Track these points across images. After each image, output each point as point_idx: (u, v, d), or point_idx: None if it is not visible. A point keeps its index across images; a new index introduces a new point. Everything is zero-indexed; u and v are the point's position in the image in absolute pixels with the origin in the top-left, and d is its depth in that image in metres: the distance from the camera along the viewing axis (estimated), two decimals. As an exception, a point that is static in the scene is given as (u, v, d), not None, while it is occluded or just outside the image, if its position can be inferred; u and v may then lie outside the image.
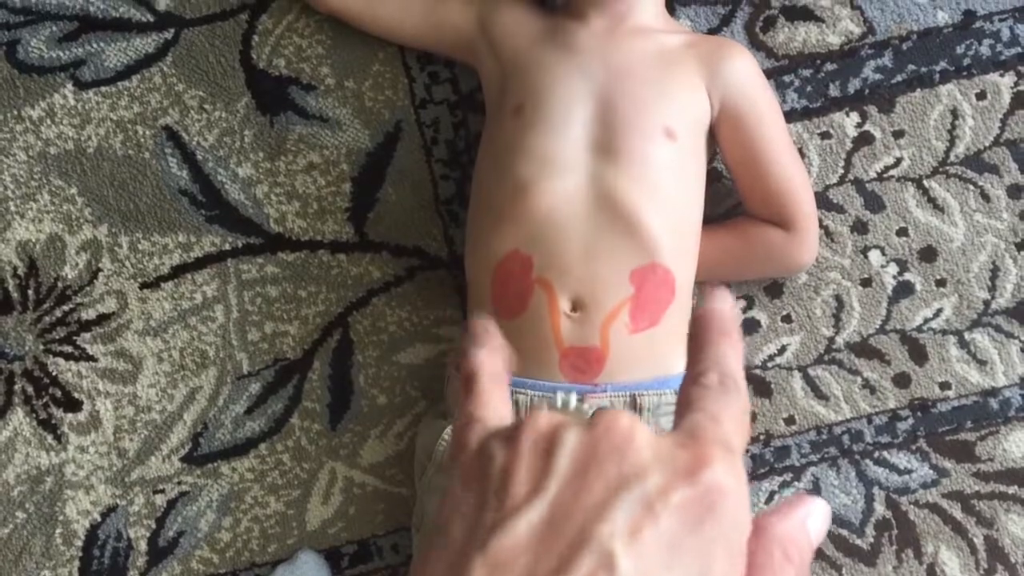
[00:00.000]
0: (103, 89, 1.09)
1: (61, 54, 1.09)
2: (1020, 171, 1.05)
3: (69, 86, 1.09)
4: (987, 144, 1.05)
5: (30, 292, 1.09)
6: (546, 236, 0.93)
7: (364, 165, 1.08)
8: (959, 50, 1.05)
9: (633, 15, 0.98)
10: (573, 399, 0.92)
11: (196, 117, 1.09)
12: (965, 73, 1.05)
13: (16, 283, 1.09)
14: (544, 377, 0.93)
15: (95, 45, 1.09)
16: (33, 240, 1.09)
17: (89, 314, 1.09)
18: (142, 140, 1.09)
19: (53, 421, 1.09)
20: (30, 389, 1.09)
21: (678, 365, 0.95)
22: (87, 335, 1.09)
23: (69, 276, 1.09)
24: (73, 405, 1.09)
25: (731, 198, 1.05)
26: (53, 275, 1.09)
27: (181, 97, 1.09)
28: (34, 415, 1.09)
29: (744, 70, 0.99)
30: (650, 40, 0.98)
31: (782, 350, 1.06)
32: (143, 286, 1.09)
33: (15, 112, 1.09)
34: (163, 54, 1.09)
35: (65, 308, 1.09)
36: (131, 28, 1.09)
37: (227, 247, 1.09)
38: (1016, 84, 1.05)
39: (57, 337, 1.09)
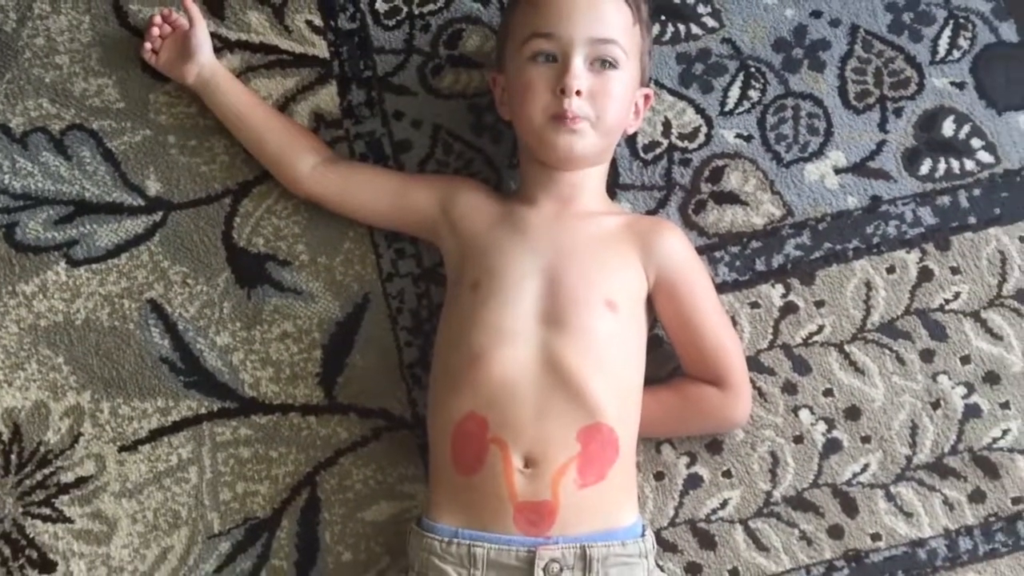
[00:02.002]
0: (94, 266, 1.16)
1: (56, 235, 1.17)
2: (930, 337, 1.14)
3: (62, 264, 1.16)
4: (899, 313, 1.15)
5: (12, 457, 1.13)
6: (500, 399, 0.99)
7: (334, 333, 1.15)
8: (869, 230, 1.17)
9: (577, 199, 1.09)
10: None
11: (179, 291, 1.16)
12: (875, 250, 1.16)
13: (0, 448, 1.13)
14: (499, 530, 0.97)
15: (88, 227, 1.17)
16: (19, 407, 1.14)
17: (68, 477, 1.12)
18: (127, 312, 1.15)
19: (27, 582, 1.11)
20: (7, 551, 1.11)
21: (626, 518, 1.00)
22: (65, 497, 1.12)
23: (51, 441, 1.13)
24: (48, 566, 1.11)
25: (672, 362, 1.12)
26: (36, 440, 1.13)
27: (166, 273, 1.16)
28: (9, 577, 1.11)
29: (674, 245, 1.08)
30: (592, 222, 1.08)
31: (724, 504, 1.12)
32: (121, 449, 1.13)
33: (10, 288, 1.16)
34: (151, 234, 1.17)
35: (46, 472, 1.13)
36: (123, 211, 1.17)
37: (203, 411, 1.14)
38: (921, 260, 1.16)
39: (36, 500, 1.12)
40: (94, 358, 1.14)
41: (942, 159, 1.18)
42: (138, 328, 1.15)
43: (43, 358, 1.14)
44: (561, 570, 0.96)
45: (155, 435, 1.13)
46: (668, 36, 1.20)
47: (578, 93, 1.02)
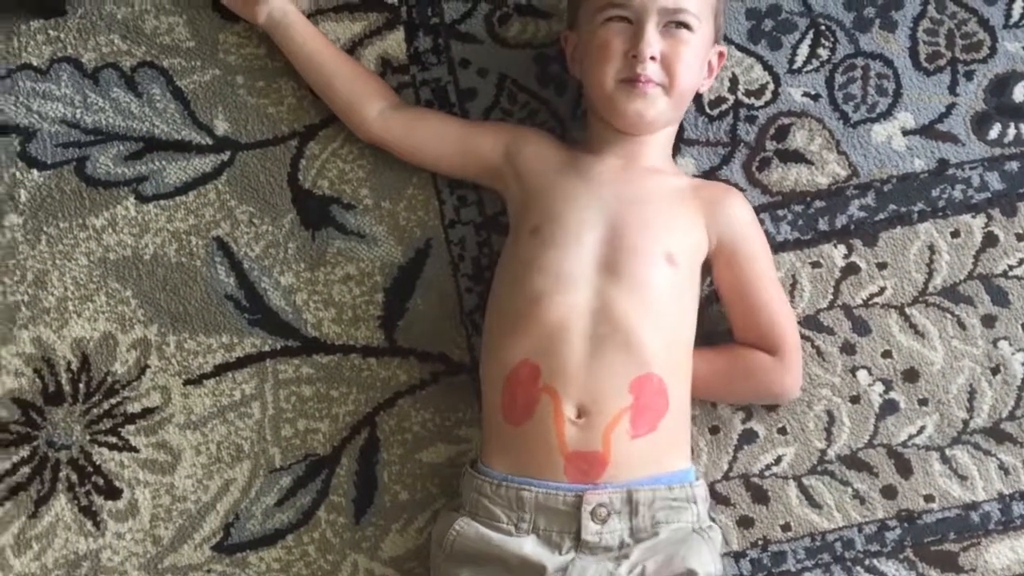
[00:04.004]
0: (162, 203, 1.16)
1: (126, 170, 1.17)
2: (992, 303, 1.12)
3: (131, 199, 1.16)
4: (962, 278, 1.13)
5: (81, 386, 1.14)
6: (554, 346, 0.99)
7: (396, 277, 1.15)
8: (935, 193, 1.14)
9: (644, 156, 1.07)
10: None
11: (245, 230, 1.16)
12: (940, 214, 1.14)
13: (69, 377, 1.14)
14: (549, 478, 0.97)
15: (157, 163, 1.17)
16: (88, 337, 1.14)
17: (135, 407, 1.13)
18: (194, 249, 1.16)
19: (94, 508, 1.12)
20: (74, 477, 1.13)
21: (674, 464, 1.00)
22: (131, 427, 1.13)
23: (119, 372, 1.14)
24: (114, 493, 1.12)
25: (726, 321, 1.11)
26: (104, 370, 1.14)
27: (233, 212, 1.16)
28: (76, 502, 1.12)
29: (741, 213, 1.07)
30: (659, 179, 1.07)
31: (778, 460, 1.11)
32: (187, 382, 1.14)
33: (80, 221, 1.16)
34: (219, 173, 1.17)
35: (113, 401, 1.14)
36: (191, 149, 1.17)
37: (267, 349, 1.14)
38: (987, 225, 1.13)
39: (103, 428, 1.13)
40: (161, 293, 1.15)
41: (1012, 124, 1.15)
42: (204, 265, 1.15)
43: (112, 291, 1.15)
44: (608, 514, 0.96)
45: (220, 370, 1.14)
46: (738, -9, 1.17)
47: (652, 59, 1.01)
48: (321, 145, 1.17)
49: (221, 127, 1.17)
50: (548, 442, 0.97)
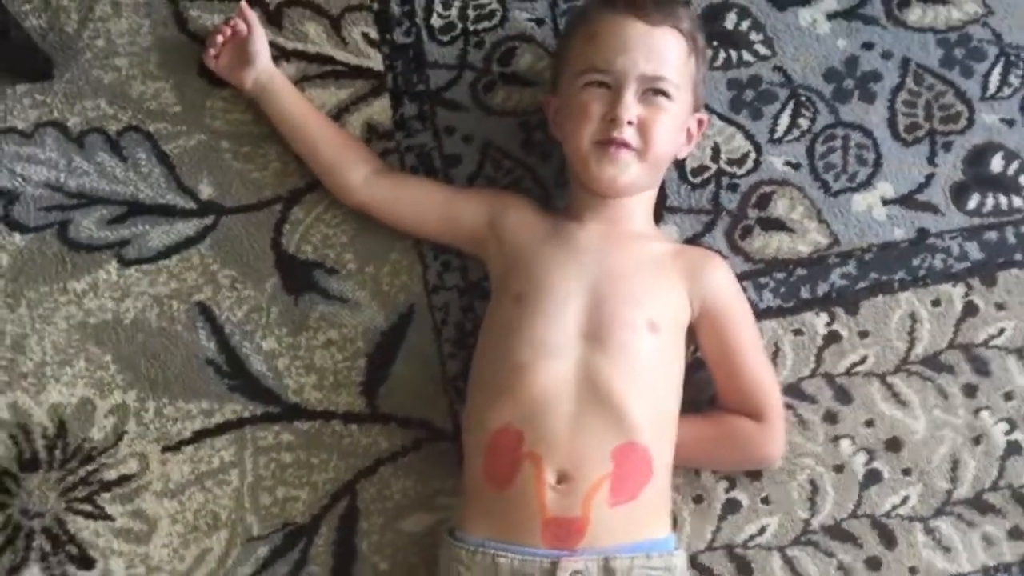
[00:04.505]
0: (144, 267, 1.15)
1: (108, 234, 1.16)
2: (973, 372, 1.12)
3: (113, 263, 1.16)
4: (943, 347, 1.13)
5: (57, 452, 1.12)
6: (537, 413, 0.98)
7: (378, 343, 1.14)
8: (915, 262, 1.15)
9: (624, 220, 1.08)
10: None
11: (228, 294, 1.15)
12: (921, 282, 1.14)
13: (45, 443, 1.12)
14: (525, 543, 0.96)
15: (141, 227, 1.17)
16: (65, 403, 1.13)
17: (111, 475, 1.11)
18: (176, 313, 1.15)
19: (66, 578, 1.10)
20: (48, 546, 1.10)
21: (654, 532, 0.99)
22: (107, 495, 1.11)
23: (96, 438, 1.12)
24: (87, 563, 1.10)
25: (712, 387, 1.11)
26: (81, 436, 1.12)
27: (215, 276, 1.15)
28: (48, 572, 1.10)
29: (722, 279, 1.08)
30: (641, 245, 1.07)
31: (762, 530, 1.10)
32: (164, 449, 1.12)
33: (61, 285, 1.15)
34: (202, 237, 1.16)
35: (89, 468, 1.12)
36: (175, 214, 1.17)
37: (247, 415, 1.13)
38: (967, 294, 1.14)
39: (79, 496, 1.11)
40: (141, 357, 1.14)
41: (990, 195, 1.16)
42: (186, 330, 1.14)
43: (91, 355, 1.14)
44: None
45: (198, 436, 1.12)
46: (720, 62, 1.19)
47: (629, 123, 1.02)
48: (305, 210, 1.17)
49: (206, 191, 1.17)
50: (528, 507, 0.96)
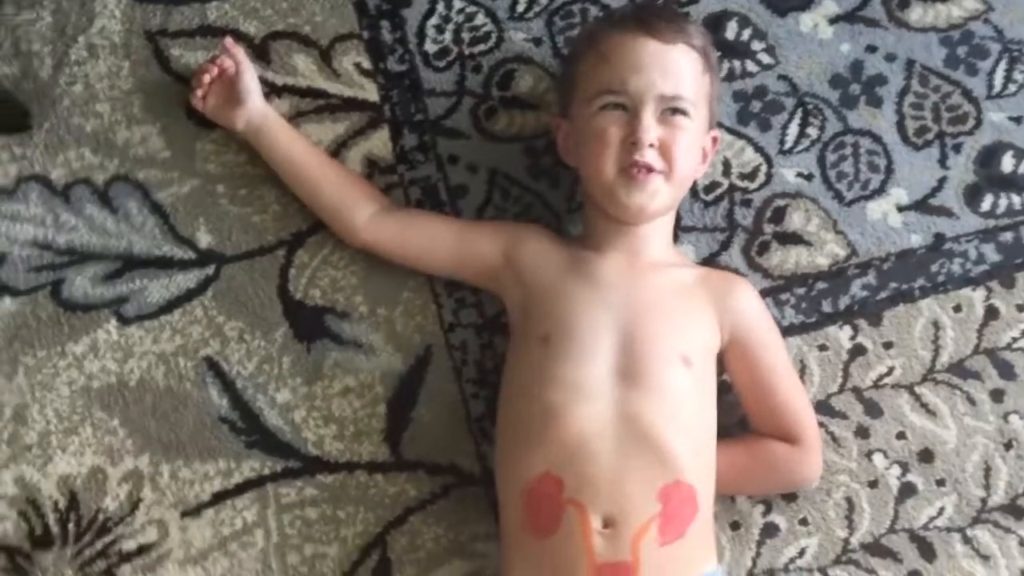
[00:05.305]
0: (146, 323, 1.10)
1: (105, 291, 1.11)
2: (1000, 376, 1.11)
3: (113, 322, 1.10)
4: (968, 353, 1.12)
5: (70, 526, 1.06)
6: (576, 459, 0.95)
7: (397, 387, 1.10)
8: (934, 268, 1.13)
9: (646, 249, 1.05)
10: None
11: (236, 347, 1.10)
12: (941, 289, 1.13)
13: (56, 517, 1.06)
14: None
15: (138, 282, 1.11)
16: (75, 473, 1.07)
17: (129, 545, 1.06)
18: (183, 371, 1.09)
19: (91, 659, 1.05)
20: (68, 626, 1.06)
21: (702, 567, 0.97)
22: (127, 567, 1.06)
23: (110, 508, 1.07)
24: (112, 641, 1.06)
25: (740, 409, 1.08)
26: (94, 507, 1.07)
27: (221, 328, 1.10)
28: (72, 653, 1.05)
29: (749, 302, 1.05)
30: (665, 275, 1.04)
31: (802, 552, 1.08)
32: (184, 514, 1.07)
33: (59, 348, 1.09)
34: (204, 288, 1.11)
35: (106, 540, 1.06)
36: (174, 265, 1.11)
37: (267, 472, 1.08)
38: (987, 298, 1.13)
39: (97, 570, 1.06)
40: (151, 420, 1.08)
41: (1003, 195, 1.15)
42: (195, 387, 1.09)
43: (97, 421, 1.08)
44: None
45: (218, 498, 1.07)
46: (724, 73, 1.16)
47: (651, 146, 0.99)
48: (310, 253, 1.12)
49: (204, 240, 1.12)
50: (576, 556, 0.93)
